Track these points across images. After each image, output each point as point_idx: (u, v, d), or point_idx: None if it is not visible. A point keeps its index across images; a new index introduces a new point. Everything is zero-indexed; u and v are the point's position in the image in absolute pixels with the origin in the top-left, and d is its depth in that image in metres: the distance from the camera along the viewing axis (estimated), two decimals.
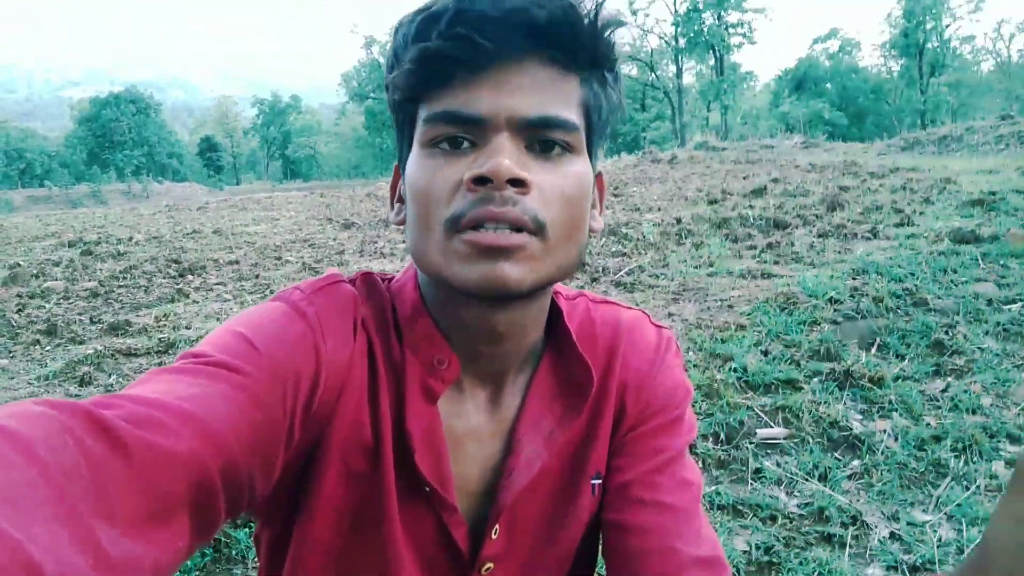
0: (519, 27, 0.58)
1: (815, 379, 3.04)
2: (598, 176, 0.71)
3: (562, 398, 0.75)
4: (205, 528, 0.52)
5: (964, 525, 2.13)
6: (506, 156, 0.58)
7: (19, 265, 6.88)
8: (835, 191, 7.43)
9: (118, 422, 0.45)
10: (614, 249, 5.74)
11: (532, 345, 0.74)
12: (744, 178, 9.90)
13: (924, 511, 2.24)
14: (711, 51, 47.36)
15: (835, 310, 3.73)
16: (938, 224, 5.57)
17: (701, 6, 45.98)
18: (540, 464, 0.73)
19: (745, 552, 2.03)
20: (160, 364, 3.54)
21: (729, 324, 3.61)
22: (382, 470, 0.68)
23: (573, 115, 0.63)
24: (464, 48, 0.58)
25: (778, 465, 2.48)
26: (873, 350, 3.36)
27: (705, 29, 46.22)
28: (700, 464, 2.47)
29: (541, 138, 0.62)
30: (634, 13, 46.67)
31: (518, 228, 0.59)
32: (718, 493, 2.30)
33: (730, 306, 3.94)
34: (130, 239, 8.70)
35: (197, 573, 1.98)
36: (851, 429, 2.65)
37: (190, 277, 6.20)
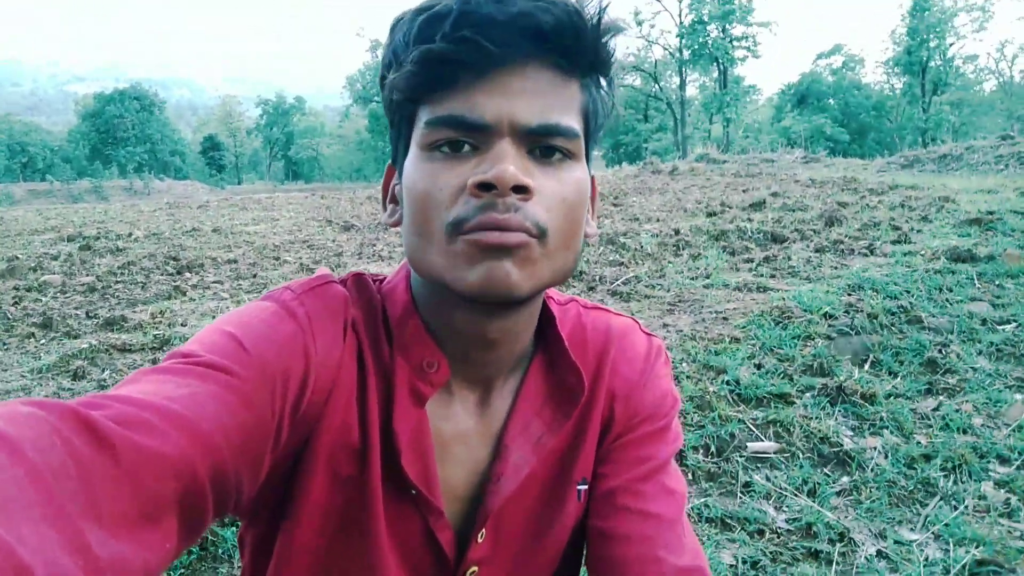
0: (525, 31, 0.58)
1: (807, 394, 3.04)
2: (591, 180, 0.72)
3: (552, 404, 0.75)
4: (193, 529, 0.52)
5: (951, 545, 2.13)
6: (510, 162, 0.58)
7: (17, 258, 6.87)
8: (834, 207, 7.45)
9: (106, 423, 0.45)
10: (611, 258, 5.74)
11: (522, 350, 0.74)
12: (744, 191, 9.92)
13: (912, 530, 2.24)
14: (715, 64, 47.47)
15: (829, 325, 3.73)
16: (935, 242, 5.58)
17: (706, 18, 46.11)
18: (528, 470, 0.73)
19: (732, 566, 2.03)
20: (154, 361, 3.54)
21: (723, 336, 3.61)
22: (369, 472, 0.68)
23: (574, 122, 0.63)
24: (469, 51, 0.58)
25: (768, 479, 2.48)
26: (866, 366, 3.37)
27: (710, 42, 46.33)
28: (690, 476, 2.47)
29: (543, 144, 0.62)
30: (639, 24, 46.87)
31: (520, 232, 0.59)
32: (707, 505, 2.30)
33: (725, 318, 3.94)
34: (129, 235, 8.69)
35: (183, 572, 1.98)
36: (842, 445, 2.65)
37: (188, 275, 6.19)
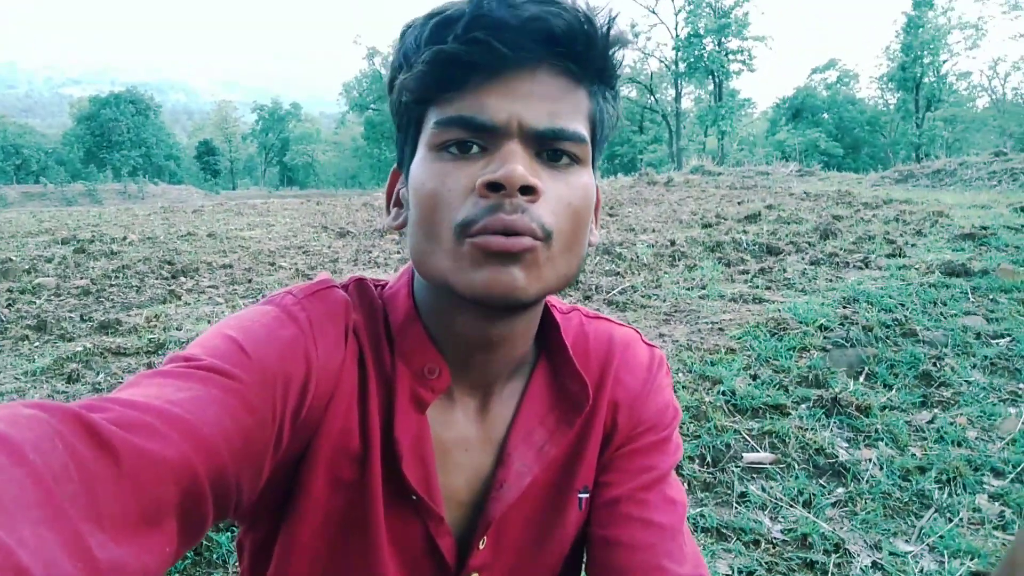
0: (536, 35, 0.59)
1: (803, 405, 3.04)
2: (596, 188, 0.72)
3: (555, 412, 0.75)
4: (193, 532, 0.51)
5: (946, 557, 2.13)
6: (519, 163, 0.58)
7: (10, 260, 6.84)
8: (828, 220, 7.48)
9: (107, 426, 0.45)
10: (608, 268, 5.75)
11: (523, 355, 0.74)
12: (739, 203, 9.96)
13: (907, 541, 2.24)
14: (710, 77, 47.75)
15: (825, 337, 3.74)
16: (929, 256, 5.60)
17: (702, 32, 46.41)
18: (531, 477, 0.73)
19: None
20: (149, 364, 3.52)
21: (719, 347, 3.61)
22: (369, 478, 0.68)
23: (582, 127, 0.63)
24: (481, 53, 0.58)
25: (763, 490, 2.48)
26: (861, 378, 3.38)
27: (705, 55, 46.63)
28: (686, 486, 2.47)
29: (550, 148, 0.62)
30: (636, 36, 47.09)
31: (526, 235, 0.59)
32: (703, 515, 2.30)
33: (721, 329, 3.95)
34: (124, 239, 8.67)
35: None
36: (837, 456, 2.66)
37: (183, 279, 6.18)
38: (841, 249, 6.12)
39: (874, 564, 2.11)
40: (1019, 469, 2.59)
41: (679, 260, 6.08)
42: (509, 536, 0.74)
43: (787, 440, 2.73)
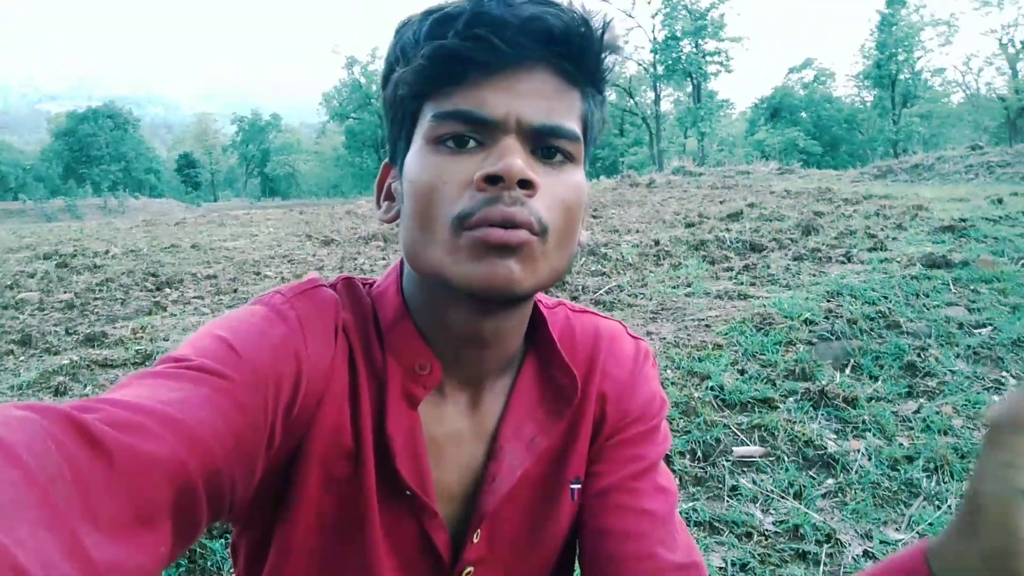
0: (535, 34, 0.60)
1: (791, 398, 3.07)
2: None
3: (545, 405, 0.76)
4: (187, 533, 0.51)
5: None
6: (518, 157, 0.59)
7: None
8: (810, 216, 7.54)
9: (99, 426, 0.45)
10: (594, 268, 5.77)
11: (514, 351, 0.75)
12: (721, 202, 10.03)
13: (897, 530, 2.26)
14: (689, 78, 48.06)
15: (810, 331, 3.77)
16: (910, 249, 5.67)
17: (679, 34, 46.72)
18: (522, 470, 0.73)
19: (721, 568, 2.04)
20: None
21: (706, 343, 3.63)
22: (363, 475, 0.68)
23: (576, 126, 0.64)
24: (481, 49, 0.59)
25: (754, 483, 2.49)
26: (847, 371, 3.41)
27: (683, 57, 46.91)
28: (677, 481, 2.46)
29: (545, 145, 0.63)
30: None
31: (523, 228, 0.60)
32: (695, 510, 2.31)
33: (707, 326, 3.97)
34: (107, 252, 8.59)
35: None
36: (826, 448, 2.68)
37: (167, 290, 6.14)
38: (823, 244, 6.17)
39: (865, 553, 2.13)
40: None
41: (664, 259, 6.11)
42: (503, 529, 0.74)
43: (776, 433, 2.75)
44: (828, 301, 4.27)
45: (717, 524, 2.25)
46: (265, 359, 0.61)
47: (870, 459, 2.63)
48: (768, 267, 5.50)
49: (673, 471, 2.49)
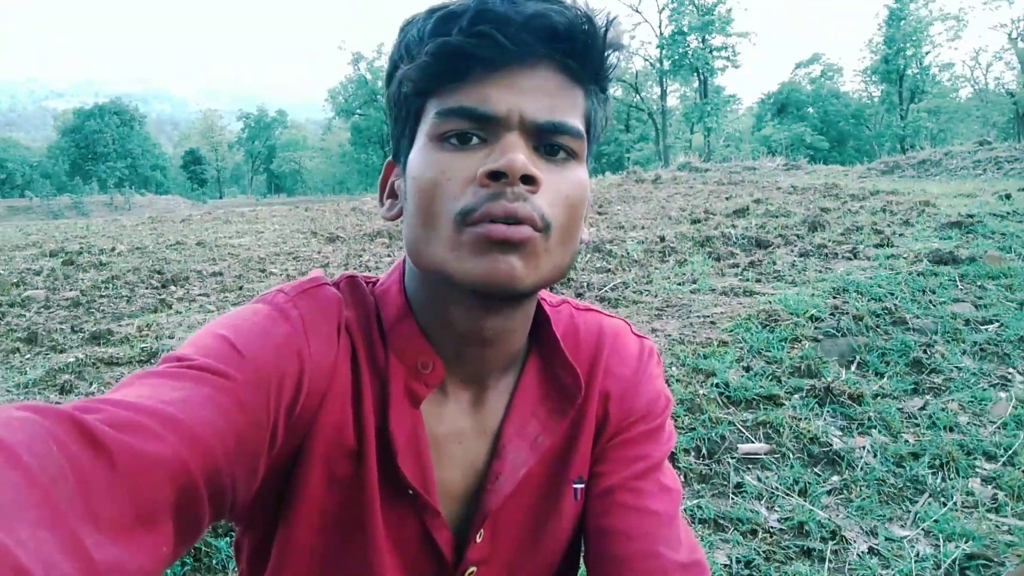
0: (539, 32, 0.60)
1: (796, 395, 3.06)
2: None
3: (548, 403, 0.76)
4: (189, 533, 0.52)
5: (941, 540, 2.14)
6: (521, 153, 0.59)
7: None
8: (816, 212, 7.51)
9: (100, 427, 0.45)
10: (598, 265, 5.76)
11: (517, 349, 0.75)
12: (727, 198, 9.99)
13: (902, 526, 2.25)
14: (695, 74, 47.86)
15: (816, 328, 3.76)
16: (917, 245, 5.64)
17: (686, 29, 46.54)
18: (526, 469, 0.73)
19: (726, 566, 2.04)
20: None
21: (712, 340, 3.63)
22: (365, 473, 0.68)
23: (579, 123, 0.65)
24: (485, 46, 0.59)
25: (759, 480, 2.49)
26: (853, 367, 3.39)
27: (689, 52, 46.75)
28: (682, 478, 2.47)
29: (548, 142, 0.63)
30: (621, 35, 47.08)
31: (526, 224, 0.60)
32: (699, 507, 2.31)
33: (712, 322, 3.97)
34: (112, 250, 8.62)
35: None
36: (831, 445, 2.67)
37: (173, 288, 6.15)
38: (830, 241, 6.15)
39: (871, 550, 2.13)
40: (1011, 452, 2.61)
41: (669, 256, 6.10)
42: (506, 529, 0.74)
43: (781, 430, 2.75)
44: (834, 297, 4.25)
45: (722, 521, 2.25)
46: (267, 358, 0.61)
47: (876, 456, 2.62)
48: (774, 263, 5.48)
49: (678, 468, 2.49)
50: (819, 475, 2.54)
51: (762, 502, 2.37)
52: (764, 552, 2.10)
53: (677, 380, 3.13)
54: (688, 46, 46.89)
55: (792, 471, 2.52)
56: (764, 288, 4.79)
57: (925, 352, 3.47)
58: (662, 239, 6.68)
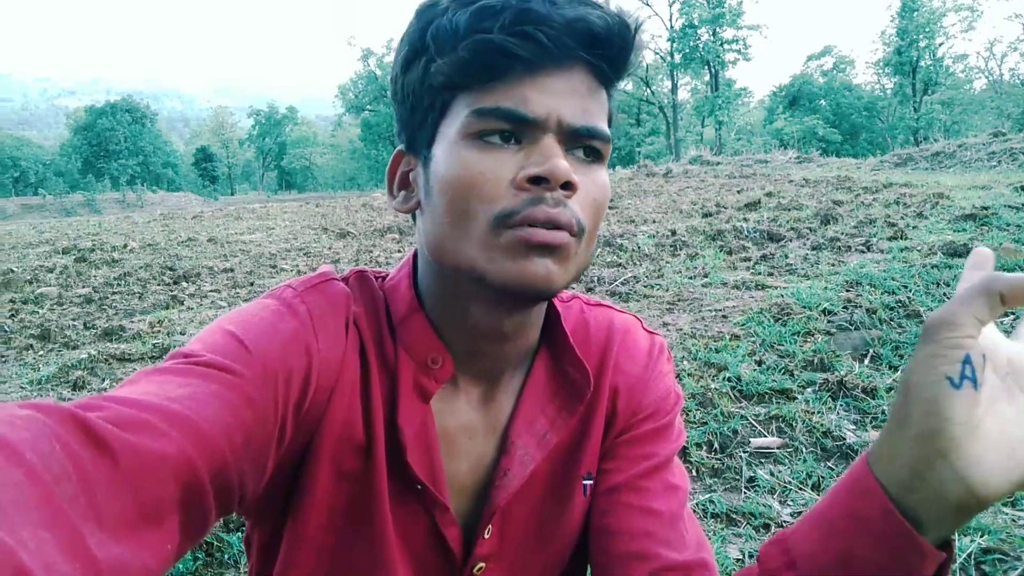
0: (578, 35, 0.59)
1: (809, 389, 3.04)
2: None
3: (557, 400, 0.75)
4: (195, 530, 0.51)
5: (957, 534, 2.12)
6: (560, 159, 0.59)
7: (12, 271, 6.85)
8: (829, 205, 7.47)
9: (104, 425, 0.45)
10: (610, 259, 5.76)
11: (531, 345, 0.74)
12: (738, 192, 9.95)
13: None
14: (706, 67, 47.59)
15: (828, 321, 3.74)
16: (931, 238, 5.60)
17: (697, 22, 46.27)
18: (534, 465, 0.73)
19: (738, 560, 2.03)
20: None
21: (723, 334, 3.61)
22: (374, 469, 0.67)
23: (607, 126, 0.65)
24: (527, 46, 0.58)
25: (771, 474, 2.48)
26: (866, 361, 3.37)
27: (700, 45, 46.47)
28: (694, 472, 2.46)
29: (581, 145, 0.63)
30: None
31: (565, 230, 0.60)
32: (712, 501, 2.30)
33: (724, 316, 3.95)
34: (124, 246, 8.68)
35: None
36: (844, 439, 2.65)
37: (185, 284, 6.19)
38: (842, 234, 6.11)
39: None
40: None
41: (680, 249, 6.08)
42: (515, 524, 0.74)
43: (794, 424, 2.73)
44: (847, 291, 4.22)
45: (734, 515, 2.24)
46: (275, 354, 0.61)
47: None
48: (786, 257, 5.45)
49: (690, 462, 2.48)
50: (832, 469, 2.52)
51: (775, 496, 2.36)
52: None
53: (689, 374, 3.12)
54: (699, 39, 46.62)
55: (805, 465, 2.51)
56: (776, 282, 4.77)
57: None
58: (673, 233, 6.65)
